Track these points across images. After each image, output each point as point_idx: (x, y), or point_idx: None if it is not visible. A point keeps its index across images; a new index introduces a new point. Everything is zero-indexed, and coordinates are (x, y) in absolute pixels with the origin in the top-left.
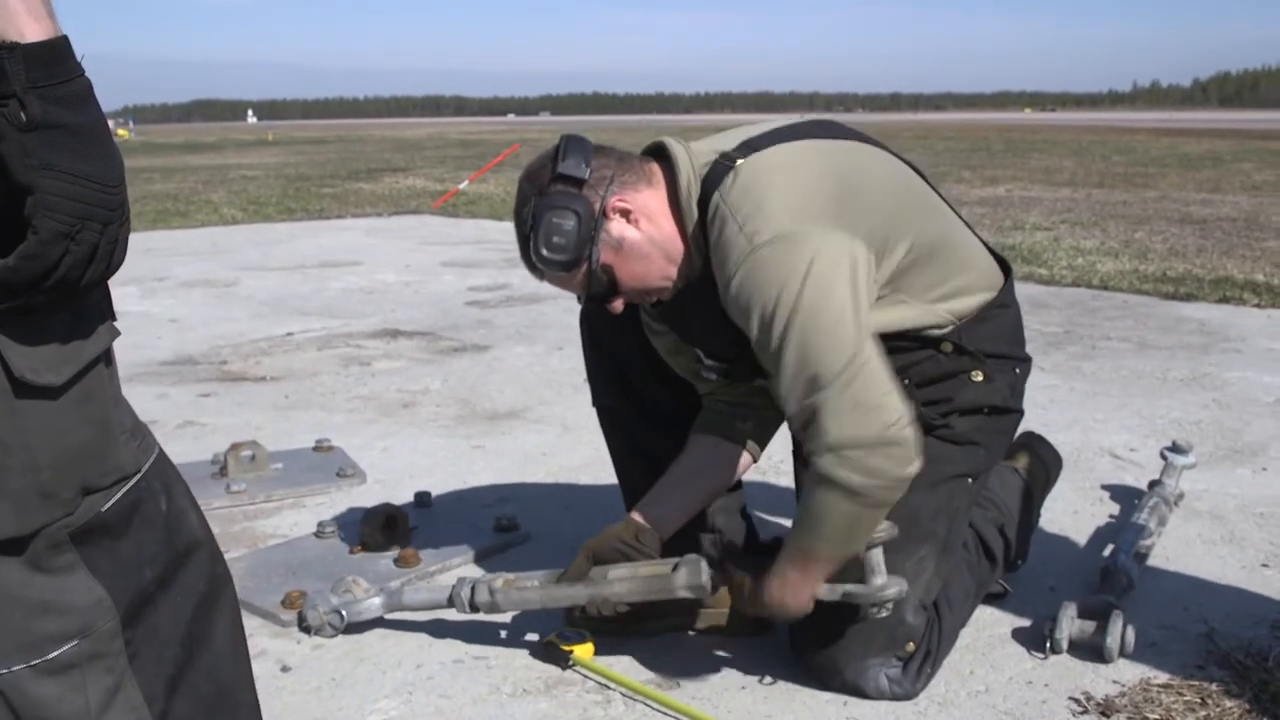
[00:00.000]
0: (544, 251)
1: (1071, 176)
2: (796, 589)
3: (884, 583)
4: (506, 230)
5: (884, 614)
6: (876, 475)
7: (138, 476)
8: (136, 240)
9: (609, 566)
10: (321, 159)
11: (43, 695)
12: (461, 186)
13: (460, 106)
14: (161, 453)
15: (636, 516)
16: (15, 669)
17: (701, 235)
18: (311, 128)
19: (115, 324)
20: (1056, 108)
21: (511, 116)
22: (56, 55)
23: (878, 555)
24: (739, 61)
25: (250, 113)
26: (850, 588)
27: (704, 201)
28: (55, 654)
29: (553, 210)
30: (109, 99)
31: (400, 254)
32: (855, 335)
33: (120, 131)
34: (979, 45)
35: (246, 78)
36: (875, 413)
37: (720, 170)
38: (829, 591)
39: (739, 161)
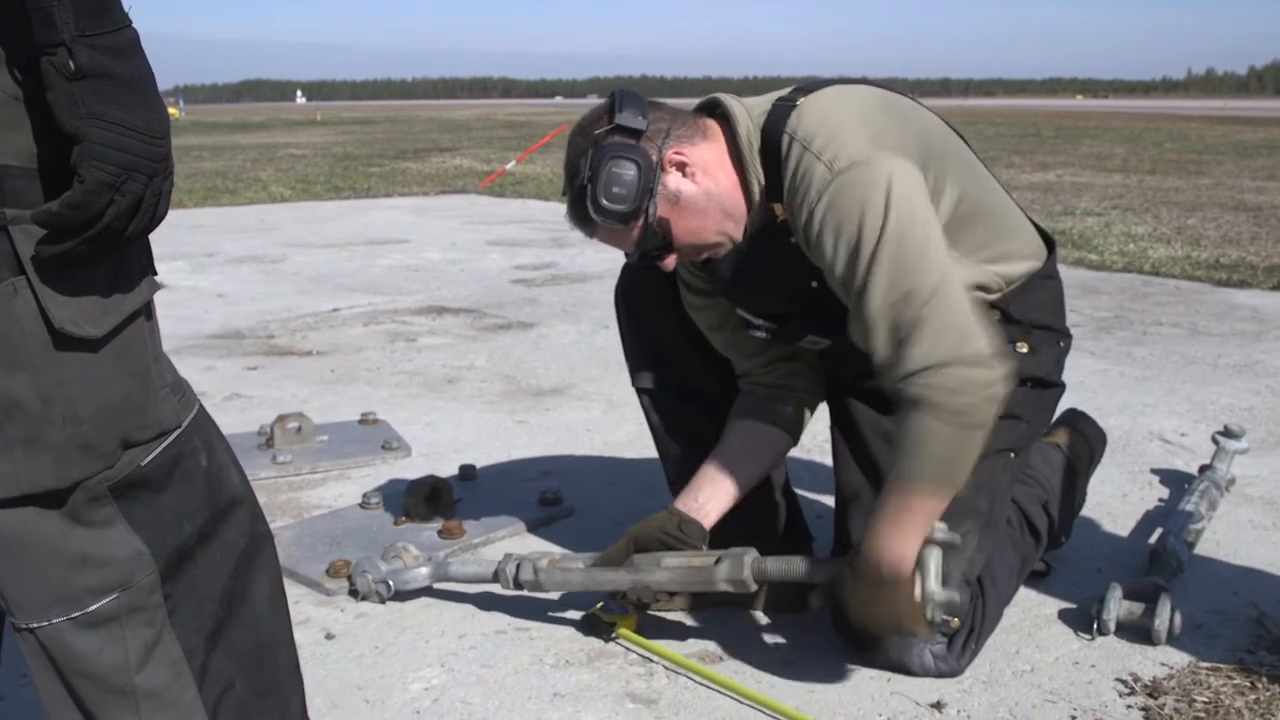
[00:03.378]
0: (603, 202)
1: (1123, 163)
2: (896, 537)
3: (936, 588)
4: (553, 210)
5: (937, 616)
6: (971, 391)
7: (178, 432)
8: (186, 216)
9: (652, 555)
10: (369, 139)
11: (82, 648)
12: (508, 167)
13: (508, 88)
14: (202, 409)
15: (679, 506)
16: (55, 621)
17: (768, 181)
18: (360, 108)
19: (156, 278)
20: (1109, 95)
21: (559, 99)
22: (104, 5)
23: (935, 559)
24: (787, 45)
25: (299, 93)
26: None
27: (767, 148)
28: (94, 607)
29: (613, 160)
30: (159, 79)
31: (446, 232)
32: (942, 256)
33: (171, 110)
34: (1031, 30)
35: (296, 58)
36: (967, 329)
37: (781, 111)
38: None
39: (799, 100)
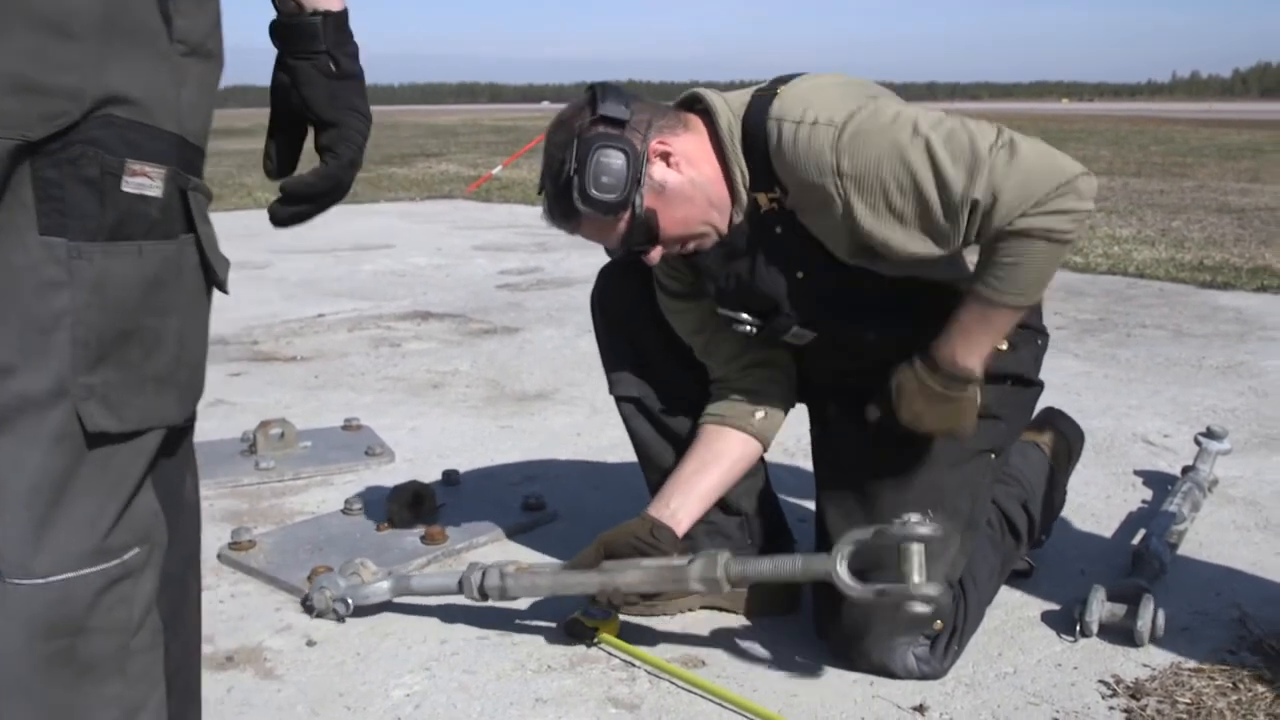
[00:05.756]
0: (592, 192)
1: (1108, 166)
2: (972, 344)
3: (921, 581)
4: (539, 215)
5: (922, 610)
6: (1073, 214)
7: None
8: None
9: (623, 561)
10: None
11: (98, 602)
12: (495, 172)
13: (495, 94)
14: None
15: (651, 513)
16: (84, 572)
17: (752, 171)
18: None
19: None
20: (1094, 98)
21: (546, 104)
22: (347, 26)
23: (918, 553)
24: (772, 49)
25: None
26: (886, 586)
27: (750, 138)
28: (125, 558)
29: (600, 150)
30: None
31: (432, 238)
32: (983, 122)
33: None
34: (1016, 34)
35: None
36: (1049, 159)
37: (763, 102)
38: (863, 591)
39: (780, 89)
